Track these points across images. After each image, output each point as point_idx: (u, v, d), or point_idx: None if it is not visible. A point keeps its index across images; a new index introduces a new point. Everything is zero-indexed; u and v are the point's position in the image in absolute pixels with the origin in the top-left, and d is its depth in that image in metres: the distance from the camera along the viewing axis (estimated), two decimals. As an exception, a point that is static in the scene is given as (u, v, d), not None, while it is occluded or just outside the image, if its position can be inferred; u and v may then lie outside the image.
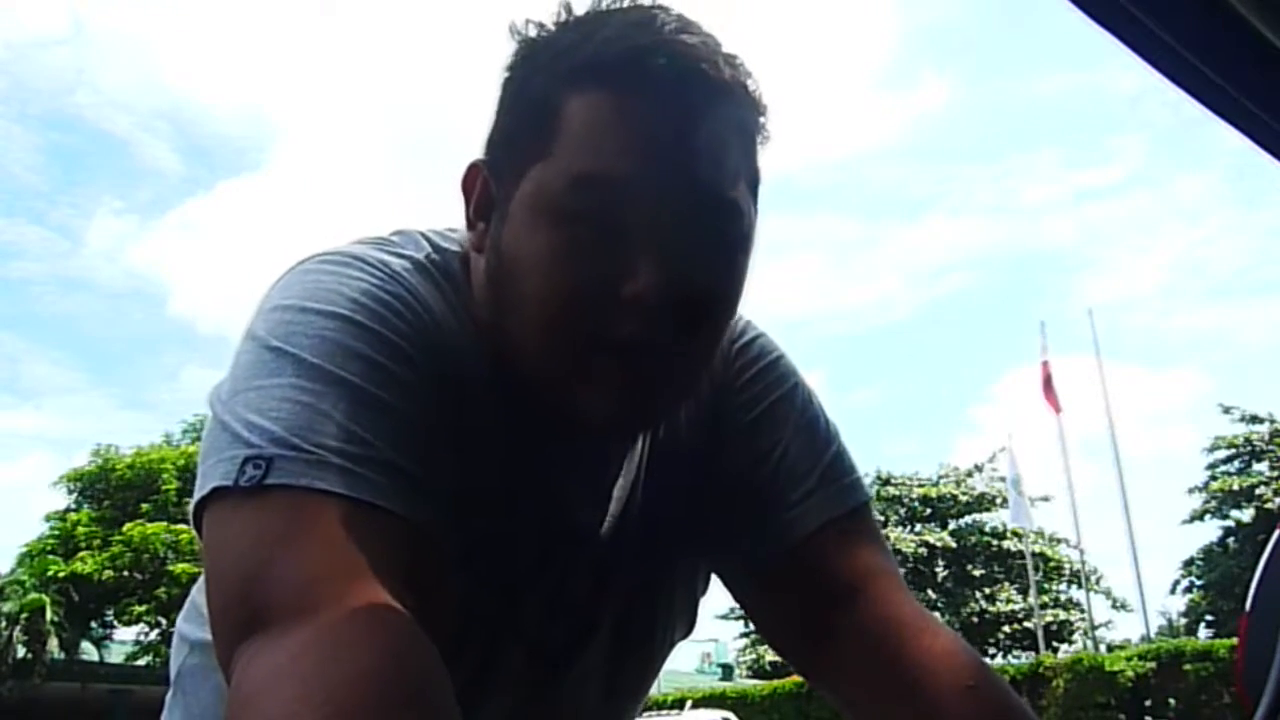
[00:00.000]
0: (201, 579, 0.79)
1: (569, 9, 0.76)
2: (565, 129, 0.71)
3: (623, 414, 0.74)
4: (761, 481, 0.87)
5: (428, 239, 0.83)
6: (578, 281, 0.70)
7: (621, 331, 0.70)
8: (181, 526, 21.14)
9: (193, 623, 0.98)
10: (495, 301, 0.77)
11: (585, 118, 0.71)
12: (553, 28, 0.76)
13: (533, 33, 0.77)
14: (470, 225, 0.81)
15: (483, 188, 0.79)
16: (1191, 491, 26.37)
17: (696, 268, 0.71)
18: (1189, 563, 27.61)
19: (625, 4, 0.76)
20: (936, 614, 0.87)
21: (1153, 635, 24.02)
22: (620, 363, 0.71)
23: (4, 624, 20.33)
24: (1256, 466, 25.36)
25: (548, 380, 0.74)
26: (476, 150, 0.81)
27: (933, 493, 27.29)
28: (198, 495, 0.65)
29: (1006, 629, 25.40)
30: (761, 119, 0.76)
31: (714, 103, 0.71)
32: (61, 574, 21.11)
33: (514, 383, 0.76)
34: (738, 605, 0.95)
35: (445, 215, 0.87)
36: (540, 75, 0.74)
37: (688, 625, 0.98)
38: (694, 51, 0.71)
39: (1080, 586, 25.70)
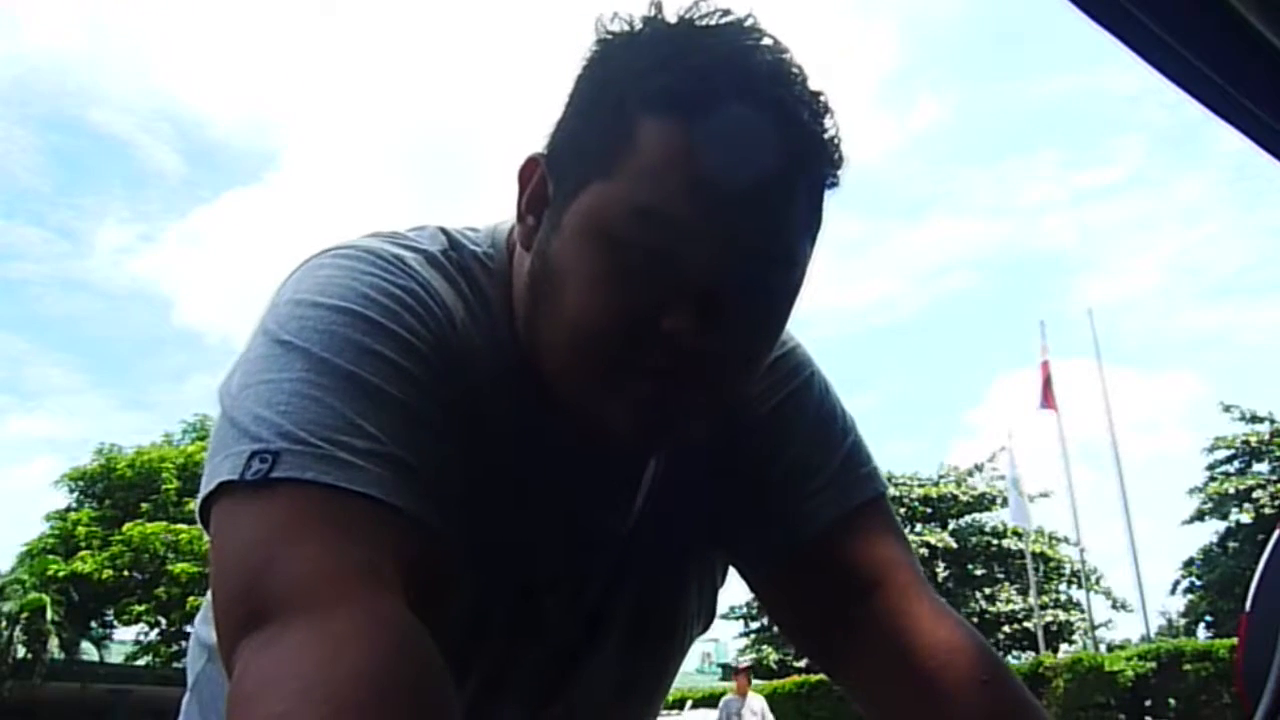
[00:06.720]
0: None
1: (659, 8, 0.73)
2: (635, 153, 0.69)
3: (647, 431, 0.73)
4: (779, 472, 0.87)
5: (446, 234, 0.82)
6: (618, 307, 0.69)
7: (652, 362, 0.70)
8: (181, 526, 21.14)
9: (210, 624, 0.96)
10: (534, 303, 0.76)
11: (656, 148, 0.69)
12: (641, 29, 0.73)
13: (618, 30, 0.74)
14: (519, 217, 0.80)
15: (539, 183, 0.78)
16: (1191, 492, 26.33)
17: (739, 315, 0.70)
18: (1189, 563, 27.51)
19: (722, 19, 0.72)
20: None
21: (1153, 635, 23.99)
22: (648, 384, 0.70)
23: (4, 624, 20.32)
24: (1256, 467, 25.29)
25: (576, 389, 0.73)
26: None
27: (933, 493, 27.22)
28: (204, 490, 0.64)
29: (1007, 629, 25.37)
30: (837, 170, 0.74)
31: (792, 156, 0.70)
32: (61, 574, 21.10)
33: (540, 384, 0.75)
34: (751, 598, 0.95)
35: (448, 220, 0.86)
36: (617, 86, 0.72)
37: (707, 619, 0.97)
38: (783, 100, 0.69)
39: (1080, 586, 25.67)
